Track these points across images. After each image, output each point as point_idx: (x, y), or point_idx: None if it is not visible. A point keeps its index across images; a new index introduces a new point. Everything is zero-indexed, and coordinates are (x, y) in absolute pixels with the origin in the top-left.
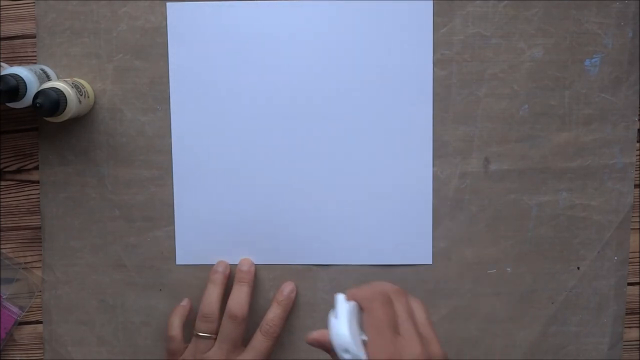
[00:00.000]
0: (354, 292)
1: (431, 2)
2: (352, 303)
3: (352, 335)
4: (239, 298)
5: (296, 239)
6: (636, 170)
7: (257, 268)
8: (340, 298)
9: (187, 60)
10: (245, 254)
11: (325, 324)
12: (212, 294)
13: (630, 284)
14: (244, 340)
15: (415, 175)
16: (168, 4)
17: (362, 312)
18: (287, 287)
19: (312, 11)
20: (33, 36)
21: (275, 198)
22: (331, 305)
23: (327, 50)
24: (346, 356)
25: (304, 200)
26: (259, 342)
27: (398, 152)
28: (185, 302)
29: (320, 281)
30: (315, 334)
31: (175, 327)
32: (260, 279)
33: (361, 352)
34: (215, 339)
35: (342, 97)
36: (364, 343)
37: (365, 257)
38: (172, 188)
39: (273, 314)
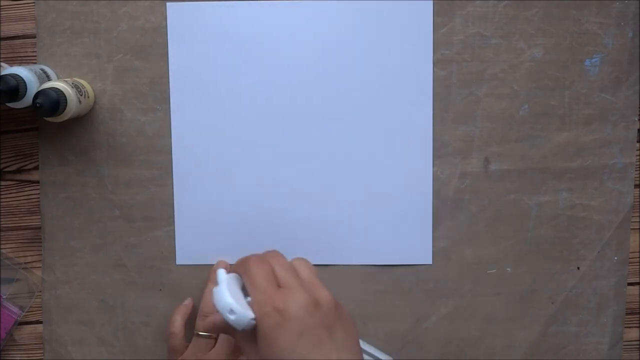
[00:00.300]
0: (233, 265)
1: (431, 2)
2: (232, 274)
3: (235, 298)
4: None
5: (296, 239)
6: (636, 170)
7: None
8: (220, 271)
9: (187, 60)
10: (245, 254)
11: None
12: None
13: (630, 284)
14: None
15: (415, 175)
16: (168, 4)
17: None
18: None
19: (312, 11)
20: (33, 36)
21: (275, 198)
22: None
23: (327, 50)
24: (232, 317)
25: (304, 200)
26: None
27: (398, 152)
28: (187, 301)
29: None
30: (207, 323)
31: (177, 324)
32: None
33: (247, 311)
34: (215, 338)
35: (342, 97)
36: (249, 304)
37: (365, 257)
38: (172, 188)
39: None
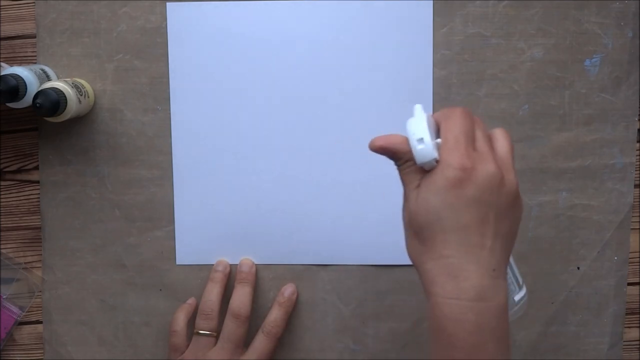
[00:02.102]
0: (436, 113)
1: (431, 2)
2: (430, 114)
3: (428, 132)
4: (242, 297)
5: (296, 239)
6: (636, 170)
7: (258, 268)
8: (418, 106)
9: (187, 60)
10: (245, 254)
11: (321, 328)
12: (212, 292)
13: (630, 284)
14: (246, 341)
15: None
16: (168, 4)
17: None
18: (288, 289)
19: (312, 11)
20: (33, 36)
21: (275, 198)
22: (330, 306)
23: (327, 50)
24: (419, 146)
25: (304, 200)
26: (261, 342)
27: None
28: (191, 301)
29: (320, 281)
30: (379, 138)
31: (179, 322)
32: (261, 279)
33: (435, 150)
34: (216, 337)
35: (342, 97)
36: (438, 146)
37: (365, 257)
38: (172, 188)
39: (275, 316)
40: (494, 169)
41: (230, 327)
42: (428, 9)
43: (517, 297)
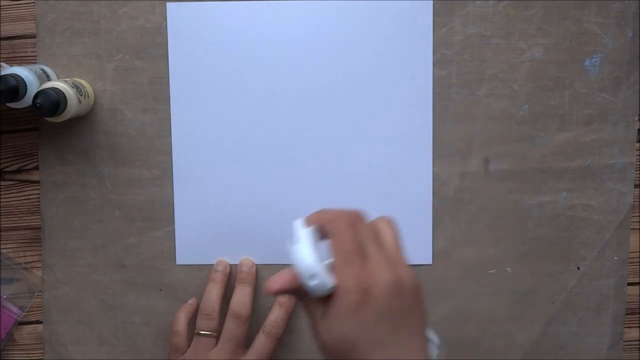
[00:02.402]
0: (312, 217)
1: (431, 2)
2: (311, 227)
3: (317, 260)
4: (243, 297)
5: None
6: (636, 170)
7: (258, 268)
8: (297, 223)
9: (187, 60)
10: (245, 254)
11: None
12: (212, 292)
13: (630, 284)
14: (246, 341)
15: (415, 175)
16: (168, 4)
17: (322, 238)
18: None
19: (312, 11)
20: (33, 36)
21: (275, 198)
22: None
23: (327, 50)
24: (313, 282)
25: (304, 200)
26: (262, 343)
27: (398, 152)
28: (192, 301)
29: None
30: (274, 281)
31: (180, 322)
32: (261, 279)
33: (329, 278)
34: (216, 337)
35: (342, 97)
36: (330, 267)
37: None
38: (172, 188)
39: (275, 316)
40: (390, 277)
41: (231, 328)
42: (428, 8)
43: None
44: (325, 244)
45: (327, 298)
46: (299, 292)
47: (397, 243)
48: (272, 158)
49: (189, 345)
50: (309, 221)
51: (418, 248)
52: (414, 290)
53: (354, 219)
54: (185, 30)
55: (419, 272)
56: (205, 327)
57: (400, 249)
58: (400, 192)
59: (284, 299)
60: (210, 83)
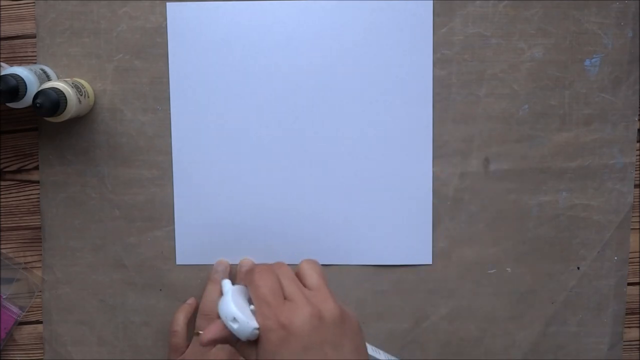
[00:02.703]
0: (239, 275)
1: (431, 2)
2: (238, 285)
3: (239, 307)
4: None
5: (296, 239)
6: (636, 170)
7: None
8: (225, 281)
9: (187, 60)
10: (245, 254)
11: None
12: (212, 293)
13: (630, 284)
14: None
15: (415, 175)
16: (168, 4)
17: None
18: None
19: (312, 11)
20: (33, 36)
21: (275, 198)
22: None
23: (327, 50)
24: (235, 325)
25: (304, 200)
26: None
27: (398, 152)
28: (190, 301)
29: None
30: (207, 331)
31: (179, 322)
32: None
33: (251, 321)
34: None
35: (342, 97)
36: (253, 313)
37: (365, 257)
38: (172, 188)
39: None
40: (309, 311)
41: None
42: (428, 8)
43: None
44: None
45: (256, 341)
46: (231, 340)
47: (320, 282)
48: (272, 158)
49: (189, 345)
50: (228, 269)
51: (418, 248)
52: (339, 321)
53: (272, 267)
54: (185, 30)
55: (419, 272)
56: (205, 327)
57: (324, 287)
58: (400, 192)
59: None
60: (210, 83)
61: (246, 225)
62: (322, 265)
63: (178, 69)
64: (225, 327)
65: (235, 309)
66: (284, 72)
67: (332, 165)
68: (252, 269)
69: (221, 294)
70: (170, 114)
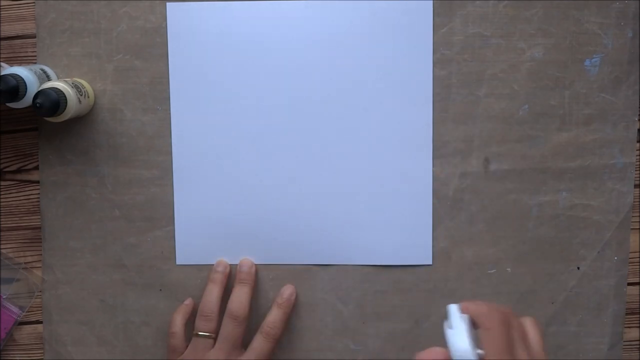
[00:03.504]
0: (469, 305)
1: (431, 2)
2: (467, 316)
3: (471, 348)
4: (240, 298)
5: (296, 239)
6: (636, 170)
7: (257, 268)
8: (454, 309)
9: (187, 60)
10: (245, 254)
11: (320, 328)
12: (212, 293)
13: (630, 284)
14: (244, 341)
15: (415, 175)
16: (168, 4)
17: (476, 328)
18: (287, 290)
19: (312, 11)
20: (33, 36)
21: (275, 198)
22: (330, 306)
23: (326, 49)
24: None
25: (304, 200)
26: (260, 343)
27: (398, 152)
28: (188, 301)
29: (320, 281)
30: (426, 353)
31: (177, 323)
32: (260, 279)
33: None
34: (215, 338)
35: (342, 97)
36: (481, 358)
37: (365, 257)
38: (172, 188)
39: (274, 317)
40: None
41: (228, 328)
42: (428, 8)
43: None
44: (475, 333)
45: None
46: None
47: (542, 345)
48: (272, 158)
49: (187, 346)
50: (464, 309)
51: (418, 248)
52: None
53: (507, 317)
54: (185, 30)
55: (419, 272)
56: (204, 328)
57: (545, 352)
58: (400, 192)
59: (282, 301)
60: (210, 83)
61: (246, 225)
62: (323, 265)
63: (178, 69)
64: (447, 356)
65: (470, 352)
66: (283, 72)
67: (332, 165)
68: (492, 312)
69: (449, 323)
70: (170, 114)
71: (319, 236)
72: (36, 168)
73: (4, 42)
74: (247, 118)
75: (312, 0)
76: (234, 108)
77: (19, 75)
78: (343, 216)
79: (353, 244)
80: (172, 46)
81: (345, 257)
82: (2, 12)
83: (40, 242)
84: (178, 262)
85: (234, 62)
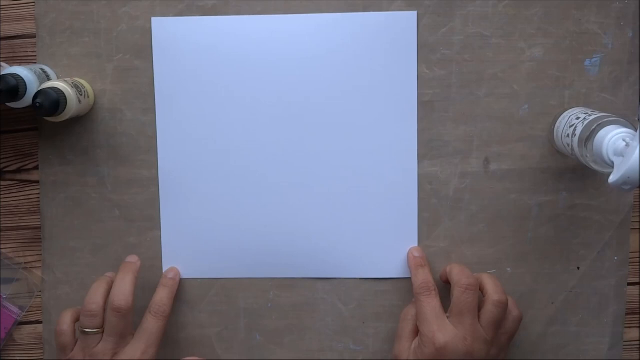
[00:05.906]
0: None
1: (415, 12)
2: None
3: None
4: (122, 288)
5: (291, 249)
6: None
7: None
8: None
9: (172, 75)
10: (234, 268)
11: (321, 328)
12: (97, 289)
13: (630, 284)
14: (132, 331)
15: (401, 176)
16: (153, 18)
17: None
18: (171, 272)
19: (299, 25)
20: (33, 36)
21: (265, 211)
22: (330, 306)
23: (312, 63)
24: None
25: (297, 210)
26: (150, 323)
27: (386, 161)
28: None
29: (320, 281)
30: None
31: (66, 321)
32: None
33: None
34: (102, 332)
35: (328, 111)
36: None
37: (361, 271)
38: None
39: (160, 296)
40: None
41: (112, 322)
42: (412, 19)
43: None
44: None
45: None
46: None
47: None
48: (260, 171)
49: (77, 342)
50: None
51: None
52: None
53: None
54: (170, 44)
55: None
56: (89, 324)
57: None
58: (396, 194)
59: (166, 280)
60: (196, 97)
61: (235, 239)
62: (315, 278)
63: (163, 83)
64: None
65: None
66: (270, 85)
67: (324, 177)
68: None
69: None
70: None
71: (313, 249)
72: (36, 168)
73: (4, 42)
74: (233, 132)
75: (298, 14)
76: (220, 123)
77: (19, 75)
78: (336, 228)
79: (344, 257)
80: (157, 60)
81: (341, 271)
82: (2, 12)
83: (40, 242)
84: (164, 268)
85: (220, 77)
